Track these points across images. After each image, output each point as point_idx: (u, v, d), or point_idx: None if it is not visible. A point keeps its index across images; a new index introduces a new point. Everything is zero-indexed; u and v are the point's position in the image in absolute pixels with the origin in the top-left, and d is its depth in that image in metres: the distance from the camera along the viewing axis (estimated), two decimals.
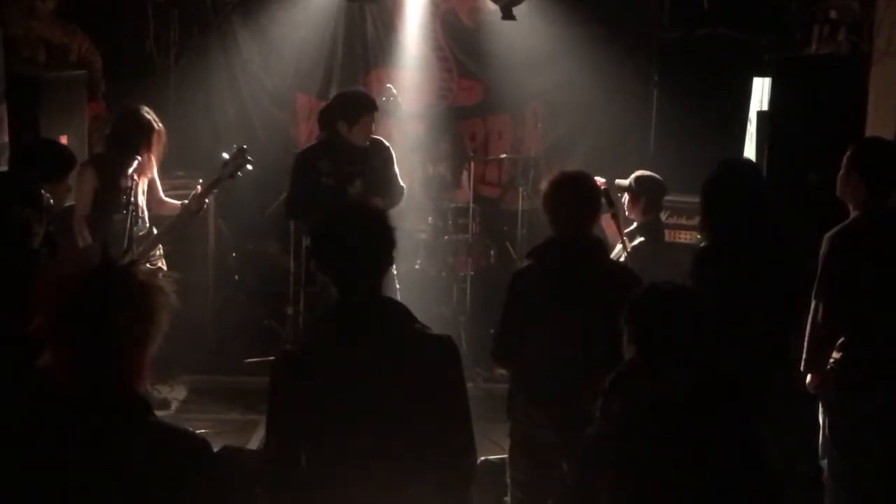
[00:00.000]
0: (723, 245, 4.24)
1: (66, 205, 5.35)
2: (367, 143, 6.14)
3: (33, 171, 4.66)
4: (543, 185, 4.29)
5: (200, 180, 6.31)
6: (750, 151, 6.33)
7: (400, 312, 2.99)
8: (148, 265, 5.88)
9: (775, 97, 6.01)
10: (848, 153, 4.47)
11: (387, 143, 6.34)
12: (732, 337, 3.81)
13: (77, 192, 5.84)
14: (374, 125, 6.15)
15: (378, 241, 2.97)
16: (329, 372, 2.88)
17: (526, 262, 4.30)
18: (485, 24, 8.19)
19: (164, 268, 6.04)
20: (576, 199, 4.17)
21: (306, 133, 8.35)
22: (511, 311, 4.16)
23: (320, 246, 3.01)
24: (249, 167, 5.88)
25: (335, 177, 6.10)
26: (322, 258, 3.00)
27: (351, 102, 6.15)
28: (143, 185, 5.97)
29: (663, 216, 6.45)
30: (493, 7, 7.51)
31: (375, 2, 8.04)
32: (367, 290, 2.95)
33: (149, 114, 5.91)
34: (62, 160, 5.05)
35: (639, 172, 6.00)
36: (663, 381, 2.74)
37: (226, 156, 5.97)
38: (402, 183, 6.37)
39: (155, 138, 5.91)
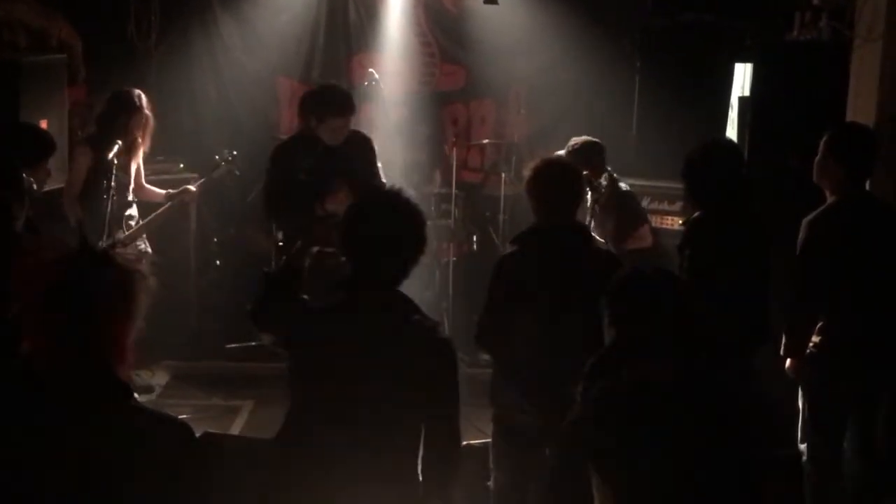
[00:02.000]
0: (711, 215, 4.32)
1: (46, 189, 5.33)
2: (338, 142, 5.69)
3: (13, 155, 4.63)
4: (526, 172, 4.30)
5: (193, 177, 6.77)
6: (731, 137, 6.34)
7: (408, 308, 3.00)
8: (132, 247, 5.94)
9: (757, 83, 6.02)
10: (825, 139, 4.49)
11: (368, 138, 5.95)
12: (719, 311, 3.88)
13: (72, 171, 5.92)
14: (345, 126, 5.69)
15: (403, 235, 3.00)
16: (325, 348, 2.91)
17: (510, 249, 4.31)
18: (468, 10, 8.17)
19: (149, 250, 6.13)
20: (559, 185, 4.19)
21: (288, 117, 8.31)
22: (495, 298, 4.17)
23: (349, 227, 3.03)
24: (237, 173, 6.47)
25: (313, 173, 5.71)
26: (347, 239, 3.03)
27: (322, 99, 5.74)
28: (133, 167, 6.06)
29: (645, 202, 6.48)
30: None
31: None
32: (383, 279, 2.99)
33: (140, 98, 6.00)
34: (42, 144, 5.02)
35: (573, 142, 6.00)
36: (643, 364, 2.75)
37: (220, 159, 6.41)
38: (383, 179, 5.98)
39: (143, 121, 5.99)
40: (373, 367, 2.89)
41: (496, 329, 4.17)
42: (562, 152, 5.84)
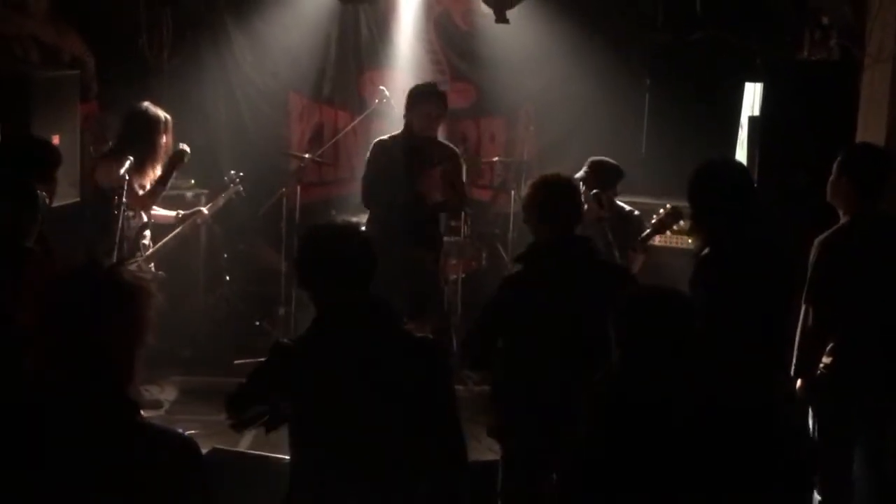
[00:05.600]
0: (720, 250, 4.13)
1: (58, 203, 5.34)
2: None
3: (26, 169, 4.64)
4: (524, 190, 4.29)
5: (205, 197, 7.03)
6: (741, 156, 6.33)
7: (389, 313, 3.00)
8: (145, 268, 5.92)
9: (767, 102, 6.00)
10: (838, 158, 4.48)
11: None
12: (737, 341, 3.82)
13: (110, 177, 5.87)
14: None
15: (361, 254, 3.01)
16: (317, 368, 2.90)
17: (515, 268, 4.29)
18: (478, 27, 8.20)
19: (153, 269, 6.07)
20: (560, 199, 4.18)
21: (298, 133, 8.35)
22: (489, 318, 4.17)
23: (310, 262, 3.03)
24: (243, 193, 6.84)
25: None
26: (310, 273, 3.02)
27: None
28: (147, 186, 6.07)
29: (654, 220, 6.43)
30: (487, 10, 7.51)
31: (369, 3, 8.04)
32: (356, 292, 2.97)
33: (159, 117, 6.05)
34: (51, 158, 5.03)
35: (591, 161, 5.98)
36: (648, 385, 2.73)
37: (228, 180, 6.67)
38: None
39: (164, 143, 6.03)
40: (366, 377, 2.88)
41: (486, 349, 4.19)
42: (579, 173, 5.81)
